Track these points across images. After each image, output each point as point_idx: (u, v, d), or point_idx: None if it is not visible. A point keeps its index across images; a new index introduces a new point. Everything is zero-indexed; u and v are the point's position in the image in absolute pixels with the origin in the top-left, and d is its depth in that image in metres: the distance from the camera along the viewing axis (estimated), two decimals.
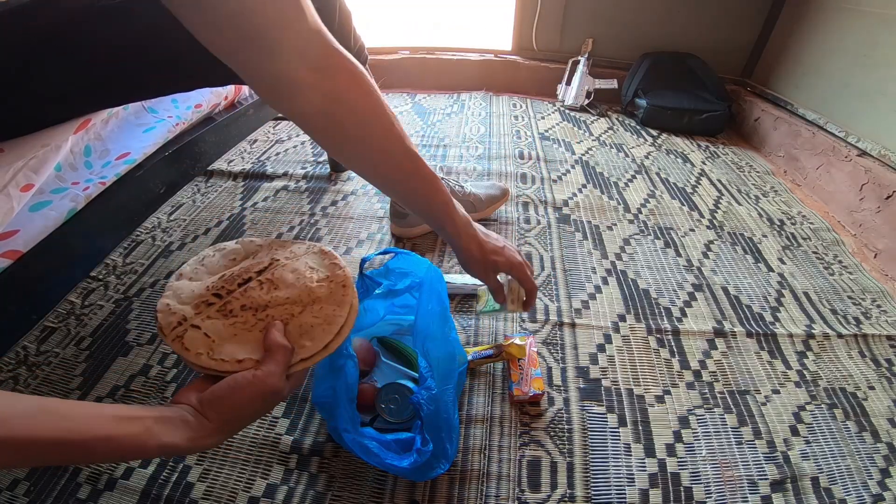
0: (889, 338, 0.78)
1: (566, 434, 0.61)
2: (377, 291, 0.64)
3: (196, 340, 0.37)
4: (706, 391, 0.68)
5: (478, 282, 0.58)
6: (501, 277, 0.57)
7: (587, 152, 1.38)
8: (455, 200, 0.52)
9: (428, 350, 0.53)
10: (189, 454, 0.34)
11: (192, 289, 0.41)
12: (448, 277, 0.79)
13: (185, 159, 1.12)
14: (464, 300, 0.80)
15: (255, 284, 0.42)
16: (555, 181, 1.20)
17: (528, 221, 1.03)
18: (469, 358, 0.65)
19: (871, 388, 0.70)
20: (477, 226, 0.54)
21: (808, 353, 0.75)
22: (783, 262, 0.96)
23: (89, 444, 0.29)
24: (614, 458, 0.59)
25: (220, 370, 0.36)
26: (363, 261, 0.62)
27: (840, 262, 0.98)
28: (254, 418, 0.38)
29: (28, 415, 0.28)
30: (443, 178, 0.94)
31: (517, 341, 0.66)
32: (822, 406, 0.67)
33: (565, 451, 0.59)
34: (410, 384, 0.61)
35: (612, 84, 1.66)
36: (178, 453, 0.33)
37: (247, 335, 0.39)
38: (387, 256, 0.63)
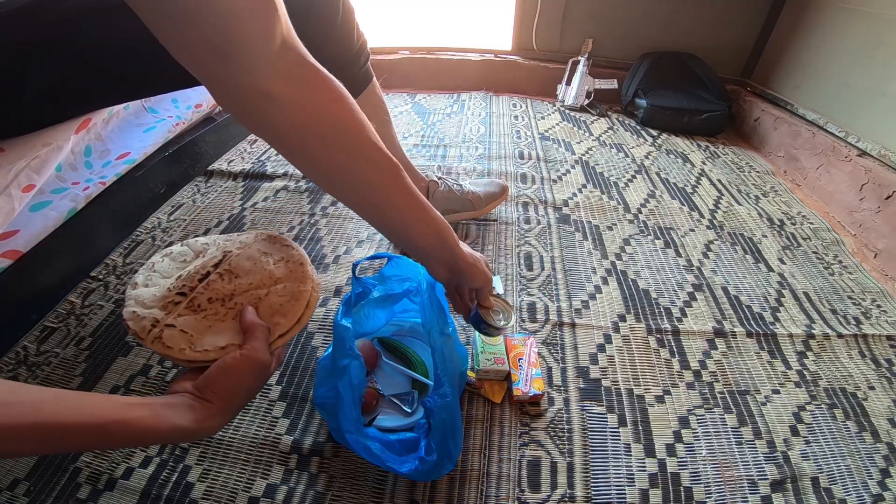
0: (889, 338, 0.78)
1: (566, 434, 0.61)
2: (374, 295, 0.64)
3: (175, 338, 0.39)
4: (706, 391, 0.68)
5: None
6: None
7: (587, 152, 1.38)
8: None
9: (441, 350, 0.51)
10: (197, 437, 0.35)
11: (152, 293, 0.42)
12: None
13: (185, 159, 1.12)
14: None
15: (216, 277, 0.43)
16: (555, 181, 1.20)
17: (528, 221, 1.03)
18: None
19: (871, 388, 0.70)
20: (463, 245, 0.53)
21: (808, 353, 0.75)
22: (783, 262, 0.96)
23: (106, 428, 0.30)
24: (614, 458, 0.59)
25: (206, 360, 0.38)
26: (354, 265, 0.63)
27: (840, 262, 0.98)
28: (250, 395, 0.39)
29: (48, 401, 0.29)
30: (440, 178, 0.94)
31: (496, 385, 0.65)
32: (822, 406, 0.67)
33: (565, 451, 0.59)
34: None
35: (612, 84, 1.65)
36: (188, 436, 0.34)
37: (221, 325, 0.40)
38: (379, 261, 0.63)
